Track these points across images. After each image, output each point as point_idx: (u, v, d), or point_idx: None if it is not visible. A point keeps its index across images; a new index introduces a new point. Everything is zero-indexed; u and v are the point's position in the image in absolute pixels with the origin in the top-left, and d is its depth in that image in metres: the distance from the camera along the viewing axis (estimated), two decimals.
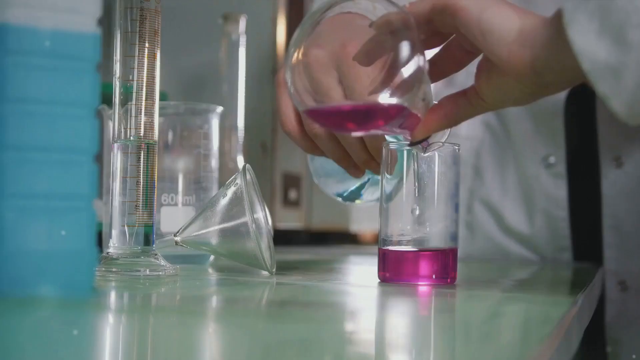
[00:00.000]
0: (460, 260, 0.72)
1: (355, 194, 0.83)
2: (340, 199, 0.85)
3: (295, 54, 0.65)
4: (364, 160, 0.75)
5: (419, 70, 0.62)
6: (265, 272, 0.76)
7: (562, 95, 1.02)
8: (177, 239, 0.75)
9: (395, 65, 0.63)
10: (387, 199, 0.70)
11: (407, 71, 0.62)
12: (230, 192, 0.73)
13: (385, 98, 0.63)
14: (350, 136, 0.73)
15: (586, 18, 0.58)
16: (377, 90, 0.63)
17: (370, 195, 0.83)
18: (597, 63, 0.58)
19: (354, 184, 0.82)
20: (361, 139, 0.73)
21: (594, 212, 1.03)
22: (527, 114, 1.07)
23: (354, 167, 0.77)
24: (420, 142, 0.67)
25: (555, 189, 1.05)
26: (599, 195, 1.02)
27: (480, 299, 0.67)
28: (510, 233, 1.09)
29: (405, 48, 0.63)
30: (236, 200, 0.73)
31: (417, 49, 0.62)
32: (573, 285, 0.84)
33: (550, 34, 0.60)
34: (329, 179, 0.84)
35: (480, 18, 0.62)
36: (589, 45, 0.58)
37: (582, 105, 1.02)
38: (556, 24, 0.60)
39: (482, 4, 0.62)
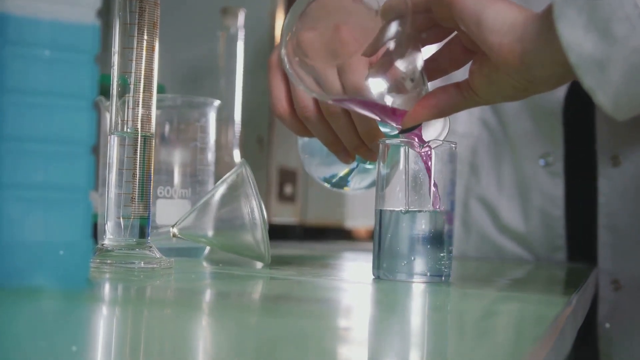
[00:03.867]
0: (455, 258, 0.72)
1: (343, 181, 0.83)
2: (327, 184, 0.85)
3: (289, 38, 0.66)
4: (355, 146, 0.75)
5: (414, 59, 0.63)
6: (259, 267, 0.76)
7: (561, 94, 1.02)
8: (175, 230, 0.75)
9: (391, 53, 0.64)
10: (380, 188, 0.71)
11: (403, 59, 0.63)
12: (228, 185, 0.73)
13: (382, 87, 0.64)
14: (342, 120, 0.74)
15: (575, 12, 0.59)
16: (374, 76, 0.64)
17: (358, 183, 0.83)
18: (584, 56, 0.58)
19: (341, 170, 0.82)
20: (353, 124, 0.74)
21: (589, 211, 1.03)
22: (525, 112, 1.07)
23: (343, 152, 0.77)
24: (409, 131, 0.67)
25: (552, 188, 1.05)
26: (595, 195, 1.02)
27: (474, 298, 0.67)
28: (505, 231, 1.09)
29: (400, 35, 0.63)
30: (234, 192, 0.73)
31: (412, 39, 0.63)
32: (567, 285, 0.84)
33: (540, 28, 0.61)
34: (314, 159, 0.83)
35: (475, 9, 0.63)
36: (577, 38, 0.58)
37: (581, 104, 1.02)
38: (547, 19, 0.61)
39: None
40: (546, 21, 0.61)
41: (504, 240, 1.09)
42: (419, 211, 0.69)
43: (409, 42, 0.64)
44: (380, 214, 0.70)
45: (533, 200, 1.07)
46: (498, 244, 1.10)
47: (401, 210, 0.69)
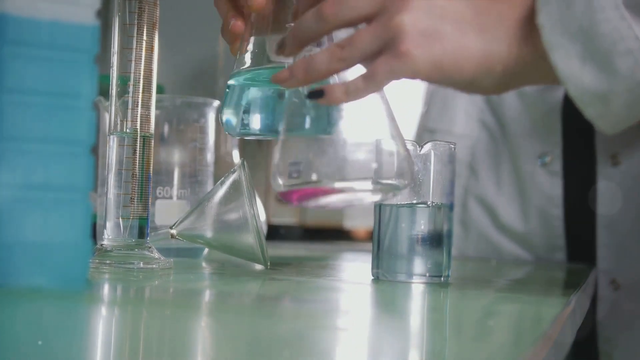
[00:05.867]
0: (454, 258, 0.72)
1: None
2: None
3: None
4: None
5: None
6: (258, 267, 0.76)
7: (560, 93, 1.02)
8: (173, 231, 0.75)
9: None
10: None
11: None
12: (228, 186, 0.73)
13: None
14: None
15: (568, 41, 0.58)
16: None
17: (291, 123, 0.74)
18: (585, 90, 0.58)
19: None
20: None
21: (588, 211, 1.03)
22: (524, 112, 1.07)
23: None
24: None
25: (550, 188, 1.05)
26: (594, 194, 1.02)
27: (474, 298, 0.67)
28: (504, 231, 1.09)
29: None
30: (234, 193, 0.73)
31: None
32: (566, 286, 0.84)
33: (519, 55, 0.60)
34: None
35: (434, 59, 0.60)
36: (574, 70, 0.58)
37: None
38: (529, 39, 0.60)
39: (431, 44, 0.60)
40: (528, 48, 0.60)
41: (503, 240, 1.09)
42: (418, 205, 0.69)
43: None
44: (379, 209, 0.70)
45: (532, 199, 1.07)
46: (497, 243, 1.10)
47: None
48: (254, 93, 0.70)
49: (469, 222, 1.12)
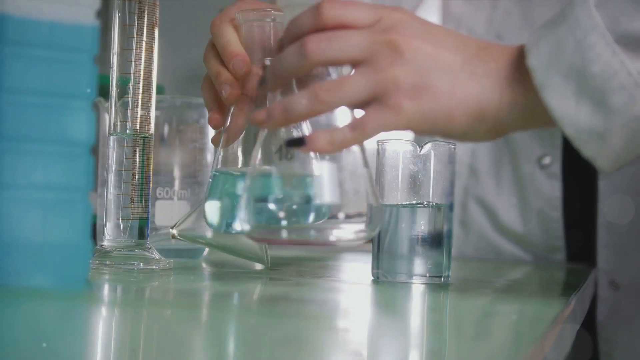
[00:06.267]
0: (454, 259, 0.72)
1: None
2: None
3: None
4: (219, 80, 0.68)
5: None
6: (258, 268, 0.76)
7: None
8: (174, 232, 0.75)
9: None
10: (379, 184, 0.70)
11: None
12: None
13: None
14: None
15: (561, 81, 0.57)
16: None
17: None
18: (581, 128, 0.57)
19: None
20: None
21: (588, 212, 1.03)
22: None
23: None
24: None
25: (550, 189, 1.05)
26: (593, 196, 1.02)
27: (473, 299, 0.67)
28: (503, 232, 1.09)
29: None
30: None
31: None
32: (566, 286, 0.84)
33: (512, 98, 0.59)
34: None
35: (426, 119, 0.58)
36: (569, 109, 0.57)
37: None
38: (521, 84, 0.59)
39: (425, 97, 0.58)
40: (521, 93, 0.59)
41: (502, 241, 1.09)
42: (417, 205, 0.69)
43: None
44: None
45: (531, 201, 1.07)
46: (496, 244, 1.10)
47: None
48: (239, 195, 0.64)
49: (468, 222, 1.12)
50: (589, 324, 1.02)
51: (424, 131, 0.59)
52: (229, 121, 0.67)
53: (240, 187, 0.63)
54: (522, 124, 0.60)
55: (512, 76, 0.59)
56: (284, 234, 0.58)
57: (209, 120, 0.70)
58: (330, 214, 0.58)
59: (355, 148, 0.59)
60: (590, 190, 1.03)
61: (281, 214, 0.58)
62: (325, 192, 0.59)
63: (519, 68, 0.59)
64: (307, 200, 0.59)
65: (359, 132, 0.57)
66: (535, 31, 0.60)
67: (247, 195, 0.59)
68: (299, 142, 0.57)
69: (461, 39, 0.60)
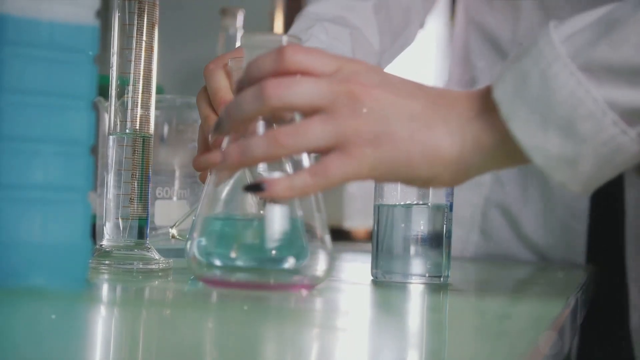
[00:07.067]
0: (454, 259, 0.72)
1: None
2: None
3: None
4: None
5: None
6: None
7: None
8: (174, 231, 0.75)
9: None
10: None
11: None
12: (229, 185, 0.73)
13: None
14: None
15: (527, 111, 0.57)
16: None
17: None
18: (551, 157, 0.57)
19: None
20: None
21: (613, 225, 1.02)
22: None
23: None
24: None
25: (576, 201, 1.04)
26: (621, 207, 1.01)
27: (473, 299, 0.67)
28: (526, 242, 1.08)
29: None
30: (236, 192, 0.72)
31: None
32: (566, 286, 0.84)
33: (477, 133, 0.58)
34: None
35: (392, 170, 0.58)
36: (537, 140, 0.57)
37: None
38: (487, 122, 0.58)
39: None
40: (486, 132, 0.58)
41: (523, 251, 1.08)
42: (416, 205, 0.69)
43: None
44: (379, 210, 0.70)
45: (556, 213, 1.06)
46: (517, 254, 1.09)
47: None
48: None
49: (489, 231, 1.10)
50: (624, 332, 1.01)
51: (387, 179, 0.59)
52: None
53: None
54: (489, 165, 0.60)
55: (476, 116, 0.58)
56: (232, 277, 0.58)
57: (193, 163, 0.70)
58: (282, 259, 0.58)
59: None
60: (617, 202, 1.02)
61: (233, 256, 0.58)
62: (276, 236, 0.58)
63: (481, 107, 0.59)
64: (259, 244, 0.58)
65: (320, 178, 0.56)
66: (500, 66, 0.60)
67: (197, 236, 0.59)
68: (257, 187, 0.57)
69: (420, 87, 0.60)
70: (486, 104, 0.58)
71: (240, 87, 0.59)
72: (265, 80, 0.56)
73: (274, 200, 0.58)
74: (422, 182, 0.59)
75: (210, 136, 0.67)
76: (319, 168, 0.56)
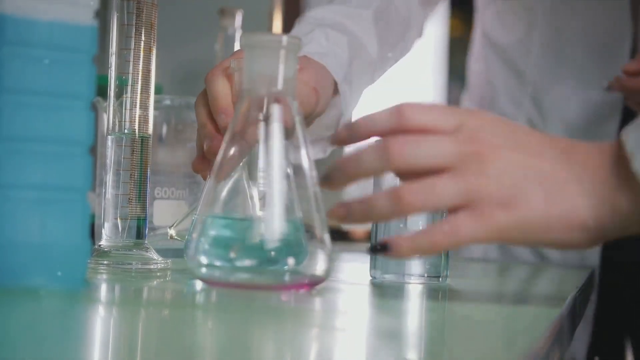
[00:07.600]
0: (452, 259, 0.72)
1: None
2: None
3: None
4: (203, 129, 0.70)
5: None
6: None
7: (614, 125, 1.01)
8: (172, 232, 0.75)
9: None
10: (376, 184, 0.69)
11: None
12: (228, 185, 0.73)
13: None
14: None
15: None
16: None
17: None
18: None
19: None
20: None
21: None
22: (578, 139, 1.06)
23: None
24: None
25: None
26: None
27: (472, 299, 0.67)
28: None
29: None
30: (235, 193, 0.72)
31: None
32: (566, 286, 0.84)
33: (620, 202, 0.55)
34: None
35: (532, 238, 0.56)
36: None
37: None
38: (624, 187, 0.55)
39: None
40: (624, 197, 0.55)
41: (524, 251, 1.07)
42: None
43: None
44: None
45: None
46: (517, 254, 1.08)
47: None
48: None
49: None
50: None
51: (518, 242, 0.57)
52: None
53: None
54: (627, 229, 0.56)
55: (612, 179, 0.55)
56: (232, 277, 0.58)
57: (192, 166, 0.70)
58: (282, 259, 0.58)
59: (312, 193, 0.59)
60: None
61: (232, 256, 0.58)
62: (276, 237, 0.58)
63: (621, 169, 0.55)
64: (259, 244, 0.58)
65: (451, 238, 0.54)
66: (628, 130, 0.56)
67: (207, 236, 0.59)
68: (383, 248, 0.55)
69: (547, 141, 0.57)
70: (620, 163, 0.55)
71: (347, 140, 0.58)
72: (390, 138, 0.55)
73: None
74: (556, 246, 0.57)
75: (205, 145, 0.67)
76: (451, 228, 0.54)
